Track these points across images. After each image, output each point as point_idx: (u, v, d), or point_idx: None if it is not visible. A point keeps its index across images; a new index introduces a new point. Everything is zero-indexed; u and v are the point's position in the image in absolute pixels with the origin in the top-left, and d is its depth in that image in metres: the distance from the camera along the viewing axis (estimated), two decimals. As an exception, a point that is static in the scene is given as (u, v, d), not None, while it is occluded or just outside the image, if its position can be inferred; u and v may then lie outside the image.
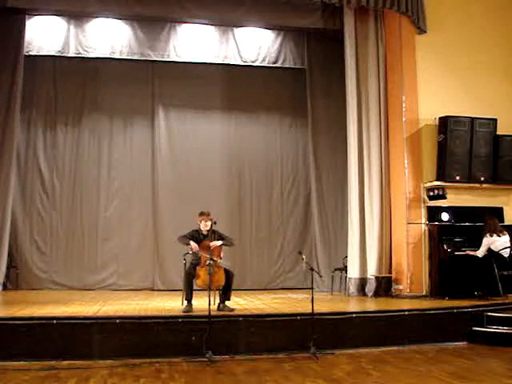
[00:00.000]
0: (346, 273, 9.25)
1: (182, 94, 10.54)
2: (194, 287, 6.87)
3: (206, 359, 5.68)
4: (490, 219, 8.11)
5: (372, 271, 8.94)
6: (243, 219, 10.66)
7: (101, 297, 8.58)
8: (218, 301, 7.03)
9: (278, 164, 10.95)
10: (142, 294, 9.40)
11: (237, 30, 10.30)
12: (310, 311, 6.15)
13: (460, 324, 6.96)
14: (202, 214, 7.21)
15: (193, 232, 7.19)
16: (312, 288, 6.44)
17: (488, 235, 7.96)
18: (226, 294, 6.95)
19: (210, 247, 6.74)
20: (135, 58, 10.02)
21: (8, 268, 9.40)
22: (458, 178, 8.92)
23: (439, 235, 8.58)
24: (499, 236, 7.96)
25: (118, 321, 6.03)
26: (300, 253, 6.90)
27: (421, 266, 8.75)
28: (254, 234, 10.69)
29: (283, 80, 10.88)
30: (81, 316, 6.20)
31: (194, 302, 6.80)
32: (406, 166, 8.99)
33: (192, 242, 6.98)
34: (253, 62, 10.43)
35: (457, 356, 6.15)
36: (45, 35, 9.74)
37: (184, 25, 10.09)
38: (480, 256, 7.95)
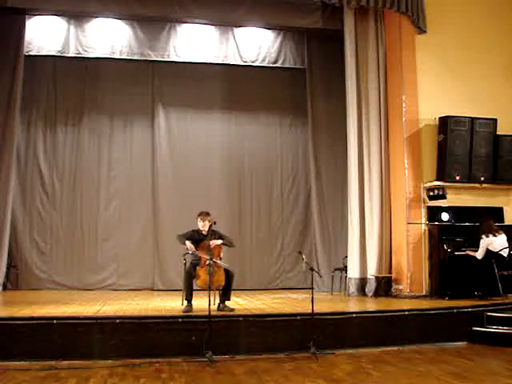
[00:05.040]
0: (346, 273, 9.24)
1: (181, 93, 10.54)
2: (194, 287, 6.87)
3: (206, 359, 5.68)
4: (484, 221, 8.12)
5: (372, 271, 8.94)
6: (243, 219, 10.66)
7: (101, 297, 8.58)
8: (217, 301, 7.03)
9: (277, 164, 10.95)
10: (142, 294, 9.40)
11: (237, 30, 10.30)
12: (310, 311, 6.16)
13: (460, 324, 6.96)
14: (200, 213, 7.22)
15: (192, 232, 7.18)
16: (312, 288, 6.46)
17: (484, 236, 7.97)
18: (226, 294, 6.95)
19: (209, 246, 6.74)
20: (135, 58, 10.02)
21: (8, 268, 9.39)
22: (457, 178, 8.92)
23: (439, 235, 8.57)
24: (495, 236, 7.96)
25: (117, 321, 6.03)
26: (300, 253, 6.91)
27: (421, 266, 8.75)
28: (254, 234, 10.69)
29: (283, 80, 10.87)
30: (81, 316, 6.20)
31: (193, 301, 6.80)
32: (406, 166, 8.98)
33: (188, 242, 6.99)
34: (253, 61, 10.43)
35: (457, 356, 6.15)
36: (45, 35, 9.73)
37: (184, 25, 10.09)
38: (479, 258, 7.96)
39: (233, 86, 10.72)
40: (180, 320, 6.20)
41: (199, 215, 7.20)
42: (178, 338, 6.00)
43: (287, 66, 10.59)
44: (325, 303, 7.70)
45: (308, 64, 10.52)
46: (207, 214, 7.19)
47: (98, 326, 5.94)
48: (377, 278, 8.89)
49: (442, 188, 8.83)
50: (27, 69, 9.61)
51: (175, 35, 10.08)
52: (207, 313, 5.91)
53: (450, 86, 9.21)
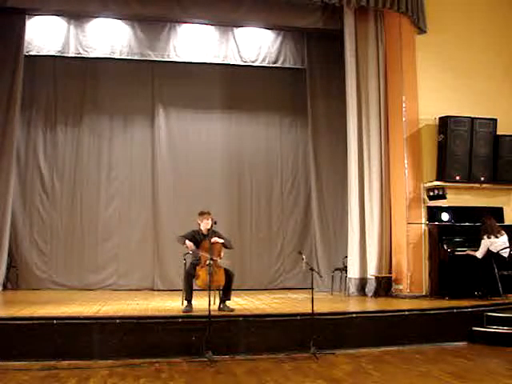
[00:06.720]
0: (346, 273, 9.25)
1: (182, 93, 10.55)
2: (194, 287, 6.87)
3: (205, 359, 5.68)
4: (487, 220, 8.10)
5: (372, 271, 8.94)
6: (243, 219, 10.66)
7: (101, 297, 8.59)
8: (218, 301, 7.03)
9: (277, 164, 10.96)
10: (142, 294, 9.40)
11: (237, 30, 10.29)
12: (310, 311, 6.16)
13: (460, 324, 6.96)
14: (202, 213, 7.22)
15: (192, 232, 7.19)
16: (312, 288, 6.45)
17: (486, 237, 7.96)
18: (226, 294, 6.95)
19: (211, 244, 6.73)
20: (135, 58, 10.02)
21: (8, 268, 9.40)
22: (457, 178, 8.92)
23: (439, 235, 8.58)
24: (497, 237, 7.95)
25: (117, 321, 6.03)
26: (300, 253, 6.91)
27: (421, 266, 8.75)
28: (253, 234, 10.70)
29: (283, 80, 10.88)
30: (81, 316, 6.20)
31: (194, 301, 6.80)
32: (406, 166, 8.98)
33: (187, 241, 7.00)
34: (253, 62, 10.43)
35: (457, 356, 6.15)
36: (45, 35, 9.73)
37: (184, 25, 10.09)
38: (479, 257, 7.96)
39: (233, 86, 10.73)
40: (180, 320, 6.20)
41: (202, 215, 7.19)
42: (178, 338, 6.00)
43: (287, 66, 10.59)
44: (325, 303, 7.70)
45: (308, 64, 10.52)
46: (209, 213, 7.18)
47: (97, 326, 5.94)
48: (377, 278, 8.89)
49: (442, 188, 8.82)
50: (27, 69, 9.62)
51: (175, 35, 10.08)
52: (207, 313, 5.91)
53: (450, 86, 9.20)
